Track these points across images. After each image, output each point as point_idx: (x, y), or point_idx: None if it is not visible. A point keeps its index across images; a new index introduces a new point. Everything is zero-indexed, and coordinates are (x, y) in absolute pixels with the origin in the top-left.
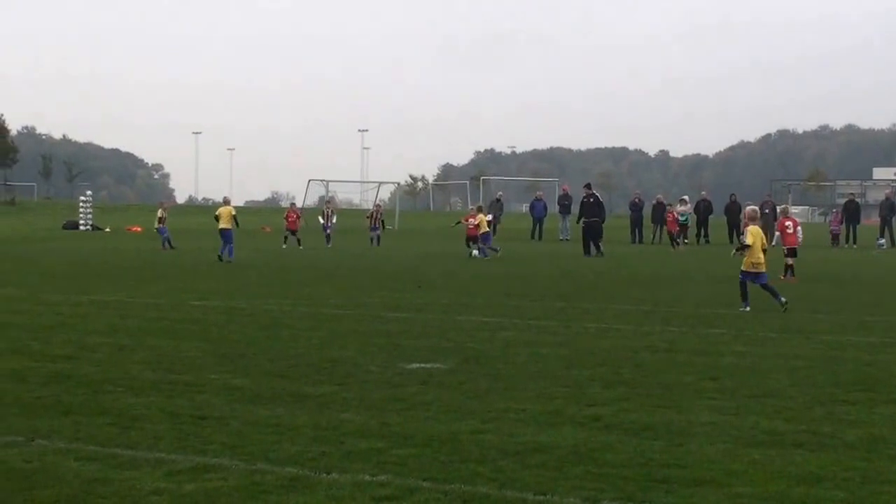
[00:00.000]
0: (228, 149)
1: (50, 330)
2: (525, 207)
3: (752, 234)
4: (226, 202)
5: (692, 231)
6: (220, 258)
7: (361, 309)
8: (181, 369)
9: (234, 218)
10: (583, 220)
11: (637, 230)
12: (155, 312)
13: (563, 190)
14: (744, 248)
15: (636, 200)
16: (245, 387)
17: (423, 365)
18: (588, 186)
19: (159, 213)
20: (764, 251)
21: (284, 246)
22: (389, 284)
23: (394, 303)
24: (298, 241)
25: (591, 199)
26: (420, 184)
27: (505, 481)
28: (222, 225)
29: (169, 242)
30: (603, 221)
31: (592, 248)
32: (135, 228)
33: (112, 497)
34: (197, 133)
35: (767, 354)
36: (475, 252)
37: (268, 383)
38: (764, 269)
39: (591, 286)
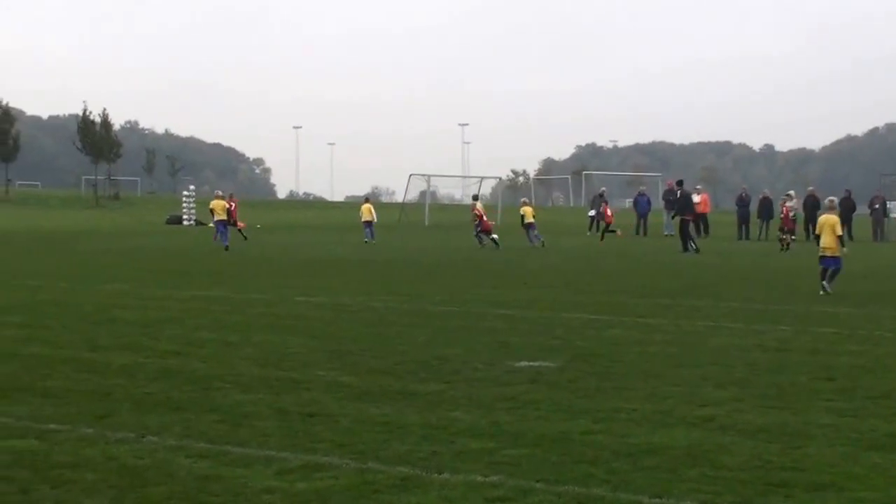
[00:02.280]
0: (329, 143)
1: (157, 325)
2: (628, 202)
3: (820, 223)
4: (218, 196)
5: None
6: (226, 248)
7: (466, 306)
8: (288, 366)
9: (228, 211)
10: (677, 216)
11: (744, 226)
12: (260, 308)
13: (669, 185)
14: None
15: (743, 196)
16: (352, 384)
17: (531, 363)
18: (679, 183)
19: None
20: (839, 238)
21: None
22: (493, 281)
23: (499, 299)
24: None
25: (679, 196)
26: (521, 178)
27: (619, 483)
28: (217, 217)
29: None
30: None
31: (690, 244)
32: (239, 224)
33: (224, 495)
34: (298, 128)
35: (883, 354)
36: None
37: (375, 381)
38: (829, 254)
39: (699, 283)
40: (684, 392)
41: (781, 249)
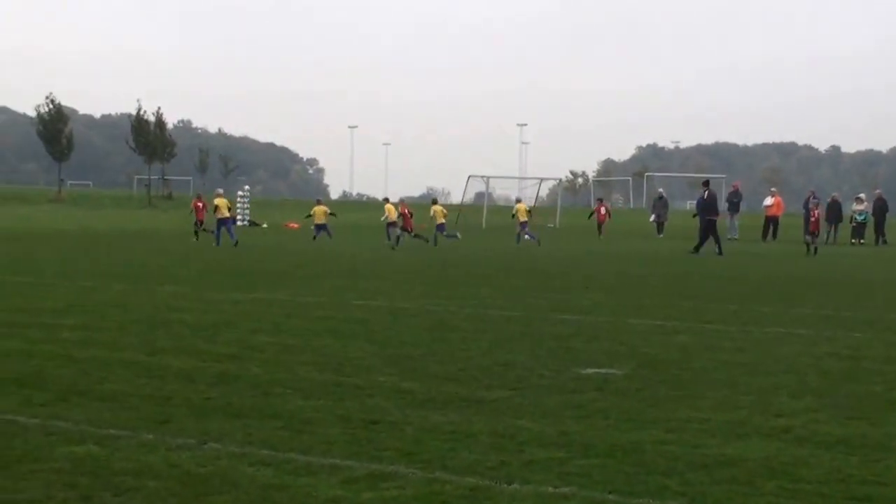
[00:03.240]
0: (384, 143)
1: (214, 328)
2: (689, 205)
3: None
4: (218, 195)
5: (869, 231)
6: (236, 244)
7: (528, 310)
8: (349, 371)
9: (230, 209)
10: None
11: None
12: (319, 312)
13: (734, 187)
14: None
15: (810, 198)
16: (416, 391)
17: (597, 370)
18: (706, 183)
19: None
20: None
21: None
22: (554, 285)
23: (561, 304)
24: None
25: (706, 196)
26: (580, 180)
27: (695, 496)
28: (220, 215)
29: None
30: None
31: (711, 244)
32: (292, 225)
33: None
34: (353, 127)
35: None
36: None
37: (439, 387)
38: None
39: (766, 288)
40: (757, 401)
41: (807, 253)
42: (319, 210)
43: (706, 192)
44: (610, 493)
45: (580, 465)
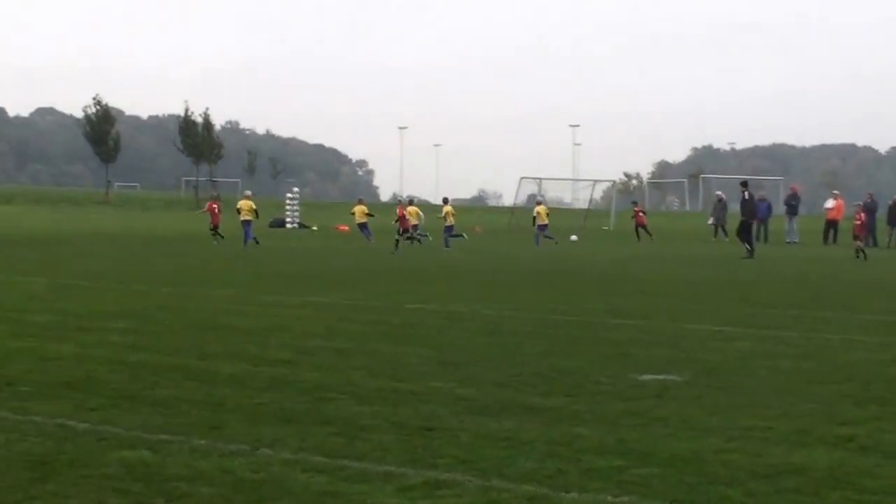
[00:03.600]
0: (435, 145)
1: (266, 332)
2: None
3: None
4: (245, 197)
5: None
6: (256, 241)
7: (585, 315)
8: (404, 376)
9: (255, 211)
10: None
11: (871, 233)
12: (372, 315)
13: (792, 189)
14: None
15: (868, 201)
16: (471, 397)
17: (656, 376)
18: (744, 184)
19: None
20: None
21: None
22: (610, 289)
23: (617, 308)
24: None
25: (747, 198)
26: (634, 182)
27: None
28: (243, 217)
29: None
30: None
31: (746, 246)
32: (342, 227)
33: None
34: (403, 128)
35: None
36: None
37: (494, 393)
38: None
39: (827, 293)
40: (821, 410)
41: (857, 257)
42: (359, 210)
43: (745, 194)
44: (670, 503)
45: (639, 475)
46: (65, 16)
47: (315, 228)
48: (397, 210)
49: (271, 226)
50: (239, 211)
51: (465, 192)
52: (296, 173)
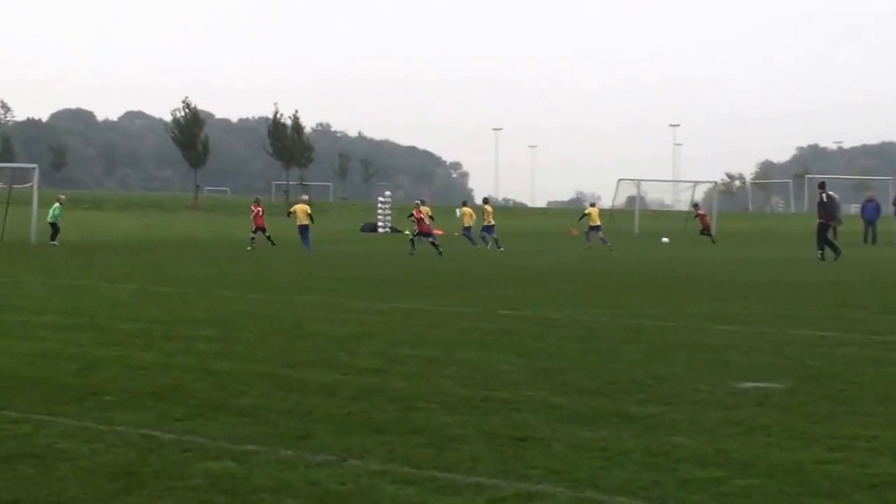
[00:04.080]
0: (530, 146)
1: (356, 340)
2: (854, 208)
3: None
4: (302, 201)
5: None
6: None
7: (683, 320)
8: (495, 385)
9: (310, 216)
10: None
11: None
12: (463, 322)
13: None
14: None
15: None
16: (564, 405)
17: (757, 384)
18: (822, 186)
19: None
20: None
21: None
22: (711, 293)
23: (718, 313)
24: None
25: (826, 199)
26: (737, 182)
27: None
28: (299, 222)
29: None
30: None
31: (827, 251)
32: (436, 231)
33: None
34: (497, 129)
35: None
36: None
37: (589, 402)
38: None
39: None
40: None
41: None
42: (466, 211)
43: (823, 196)
44: None
45: (739, 486)
46: (154, 18)
47: (408, 233)
48: (414, 212)
49: (363, 230)
50: (290, 215)
51: (563, 193)
52: (388, 176)
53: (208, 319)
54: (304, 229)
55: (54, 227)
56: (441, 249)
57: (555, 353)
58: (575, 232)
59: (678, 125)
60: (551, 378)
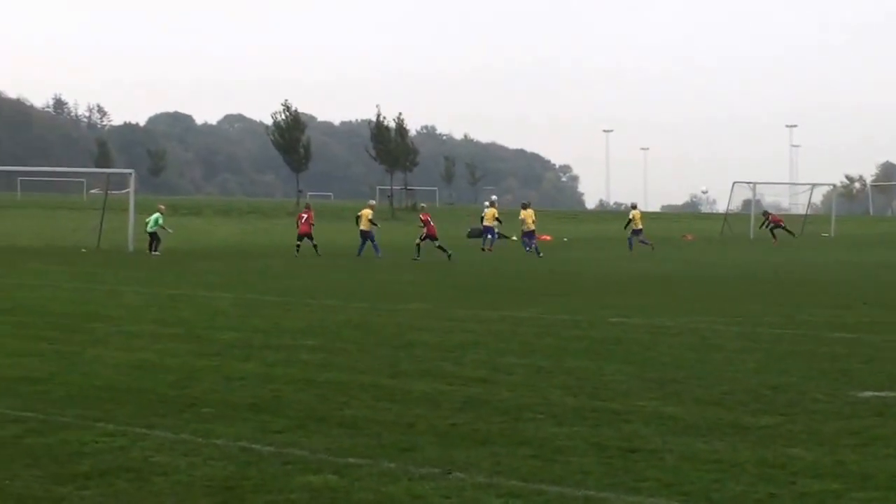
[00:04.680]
0: (642, 148)
1: (461, 349)
2: None
3: None
4: (370, 206)
5: None
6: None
7: (800, 328)
8: (605, 395)
9: (371, 221)
10: None
11: None
12: (572, 331)
13: None
14: None
15: None
16: (677, 416)
17: (877, 393)
18: None
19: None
20: None
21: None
22: (829, 300)
23: (836, 321)
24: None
25: None
26: (857, 185)
27: None
28: (361, 226)
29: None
30: None
31: None
32: (544, 237)
33: None
34: (608, 131)
35: None
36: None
37: (702, 412)
38: None
39: None
40: None
41: None
42: (521, 215)
43: None
44: None
45: (858, 499)
46: (254, 20)
47: (514, 238)
48: (421, 216)
49: (469, 236)
50: (358, 220)
51: (677, 198)
52: (495, 180)
53: (310, 329)
54: (367, 235)
55: (154, 236)
56: (450, 253)
57: (667, 361)
58: (689, 237)
59: (795, 125)
60: (663, 388)
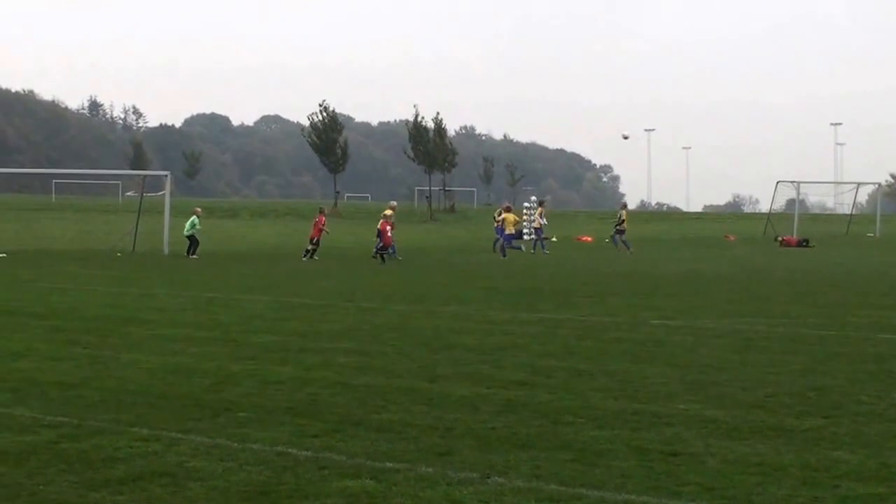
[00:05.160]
0: (684, 147)
1: (500, 352)
2: None
3: None
4: (391, 207)
5: None
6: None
7: (846, 329)
8: (646, 398)
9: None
10: None
11: None
12: (613, 333)
13: None
14: None
15: None
16: (719, 419)
17: None
18: None
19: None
20: None
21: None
22: (875, 301)
23: (884, 321)
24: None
25: None
26: None
27: None
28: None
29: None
30: None
31: None
32: (585, 238)
33: None
34: (649, 130)
35: None
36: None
37: (744, 415)
38: None
39: None
40: None
41: None
42: (510, 218)
43: None
44: None
45: None
46: (289, 22)
47: (555, 239)
48: (380, 224)
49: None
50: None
51: (719, 197)
52: (535, 181)
53: (347, 332)
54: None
55: (192, 239)
56: (387, 261)
57: (709, 364)
58: (732, 237)
59: (840, 123)
60: (705, 390)
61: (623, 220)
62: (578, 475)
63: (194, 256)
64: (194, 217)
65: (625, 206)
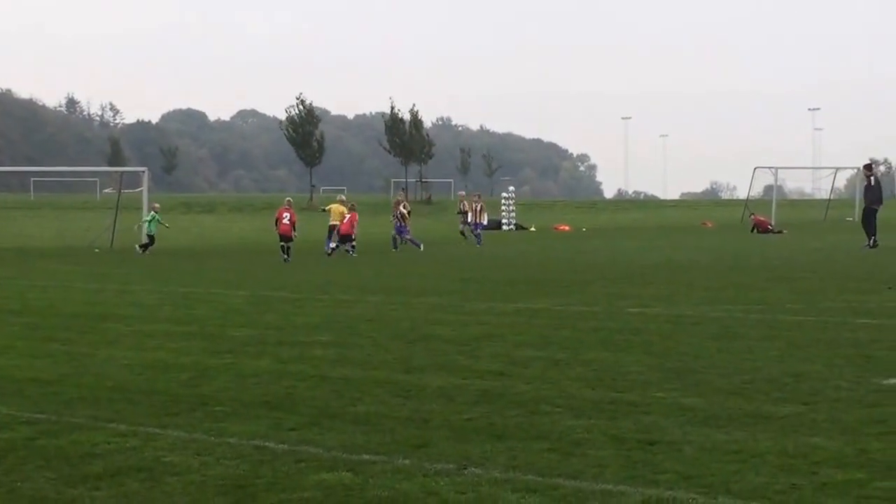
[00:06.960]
0: (661, 135)
1: (476, 342)
2: None
3: None
4: (339, 201)
5: None
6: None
7: (823, 315)
8: (623, 387)
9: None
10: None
11: None
12: (590, 322)
13: None
14: None
15: None
16: (697, 407)
17: None
18: (868, 167)
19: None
20: None
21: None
22: (852, 286)
23: (860, 307)
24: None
25: (872, 184)
26: (883, 168)
27: None
28: (331, 221)
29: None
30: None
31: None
32: (563, 227)
33: None
34: (626, 118)
35: None
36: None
37: (722, 402)
38: None
39: None
40: None
41: None
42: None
43: (871, 178)
44: None
45: (882, 489)
46: (263, 14)
47: (533, 229)
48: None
49: (486, 227)
50: (326, 212)
51: (696, 185)
52: (512, 171)
53: (324, 324)
54: (333, 230)
55: (151, 237)
56: (351, 253)
57: (686, 351)
58: (709, 224)
59: (818, 108)
60: (683, 378)
61: (467, 211)
62: (555, 465)
63: (146, 253)
64: (152, 213)
65: (479, 194)
